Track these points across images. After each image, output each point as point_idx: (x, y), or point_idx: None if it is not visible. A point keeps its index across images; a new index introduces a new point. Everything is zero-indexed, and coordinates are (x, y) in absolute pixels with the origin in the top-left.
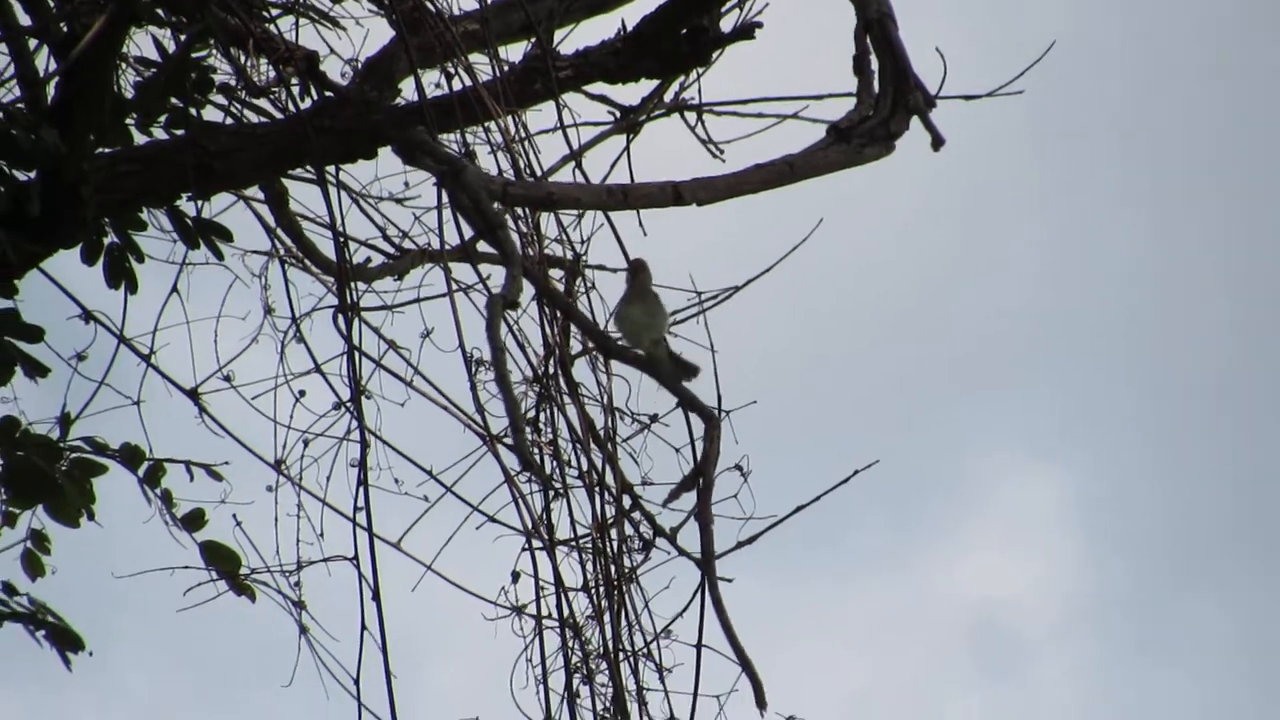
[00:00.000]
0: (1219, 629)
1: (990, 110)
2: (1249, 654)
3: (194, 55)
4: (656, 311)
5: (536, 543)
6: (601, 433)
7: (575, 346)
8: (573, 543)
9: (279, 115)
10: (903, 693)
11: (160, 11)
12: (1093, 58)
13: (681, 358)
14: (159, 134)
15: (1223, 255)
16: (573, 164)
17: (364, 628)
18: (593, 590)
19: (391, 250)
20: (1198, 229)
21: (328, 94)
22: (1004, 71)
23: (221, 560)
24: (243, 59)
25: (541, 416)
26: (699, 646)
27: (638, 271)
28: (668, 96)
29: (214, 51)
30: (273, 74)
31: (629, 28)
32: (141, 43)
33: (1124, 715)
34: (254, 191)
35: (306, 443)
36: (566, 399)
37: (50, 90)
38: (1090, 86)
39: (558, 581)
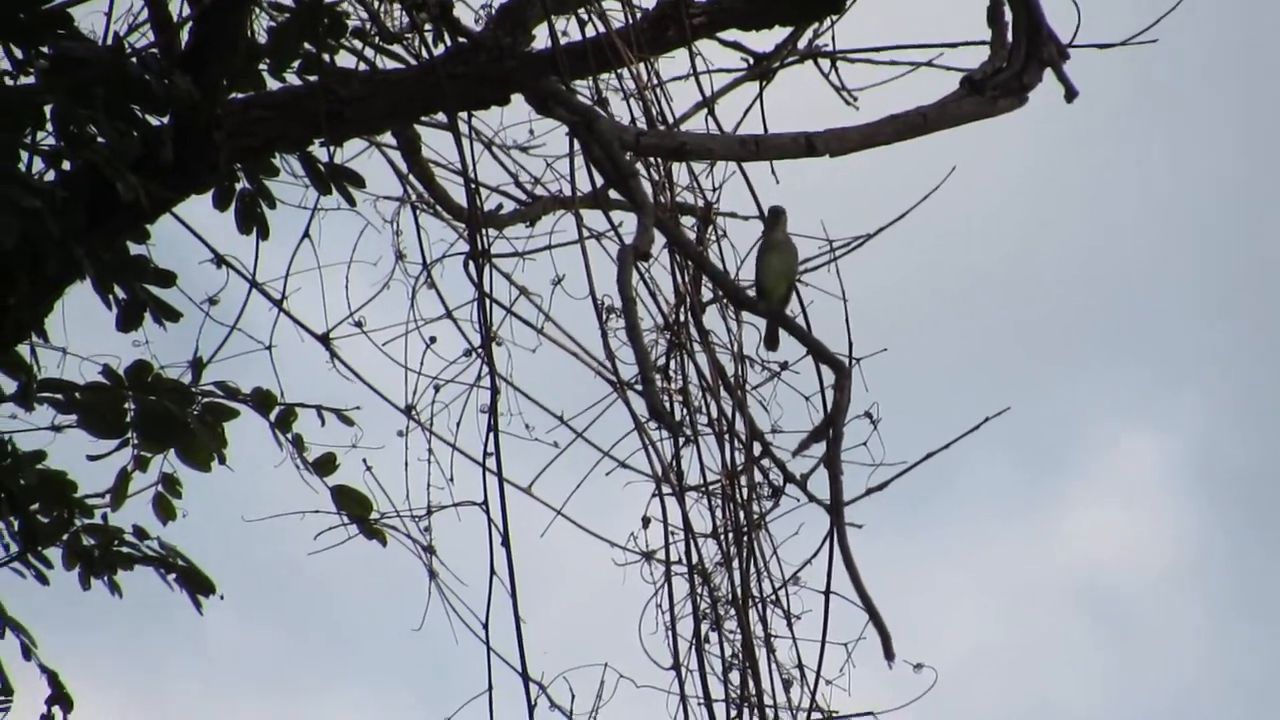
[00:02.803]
0: None
1: (1125, 59)
2: None
3: (327, 0)
4: (792, 259)
5: (666, 489)
6: (731, 380)
7: (706, 295)
8: (702, 489)
9: (412, 61)
10: (1024, 647)
11: None
12: (1226, 5)
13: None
14: (292, 80)
15: None
16: (705, 112)
17: (493, 573)
18: (722, 537)
19: (523, 197)
20: None
21: (461, 40)
22: (1140, 19)
23: (352, 505)
24: (376, 4)
25: (672, 364)
26: (827, 594)
27: (777, 218)
28: (801, 44)
29: None
30: (406, 20)
31: None
32: None
33: (1233, 675)
34: (386, 138)
35: (437, 388)
36: (697, 347)
37: (184, 35)
38: (1222, 35)
39: (687, 528)
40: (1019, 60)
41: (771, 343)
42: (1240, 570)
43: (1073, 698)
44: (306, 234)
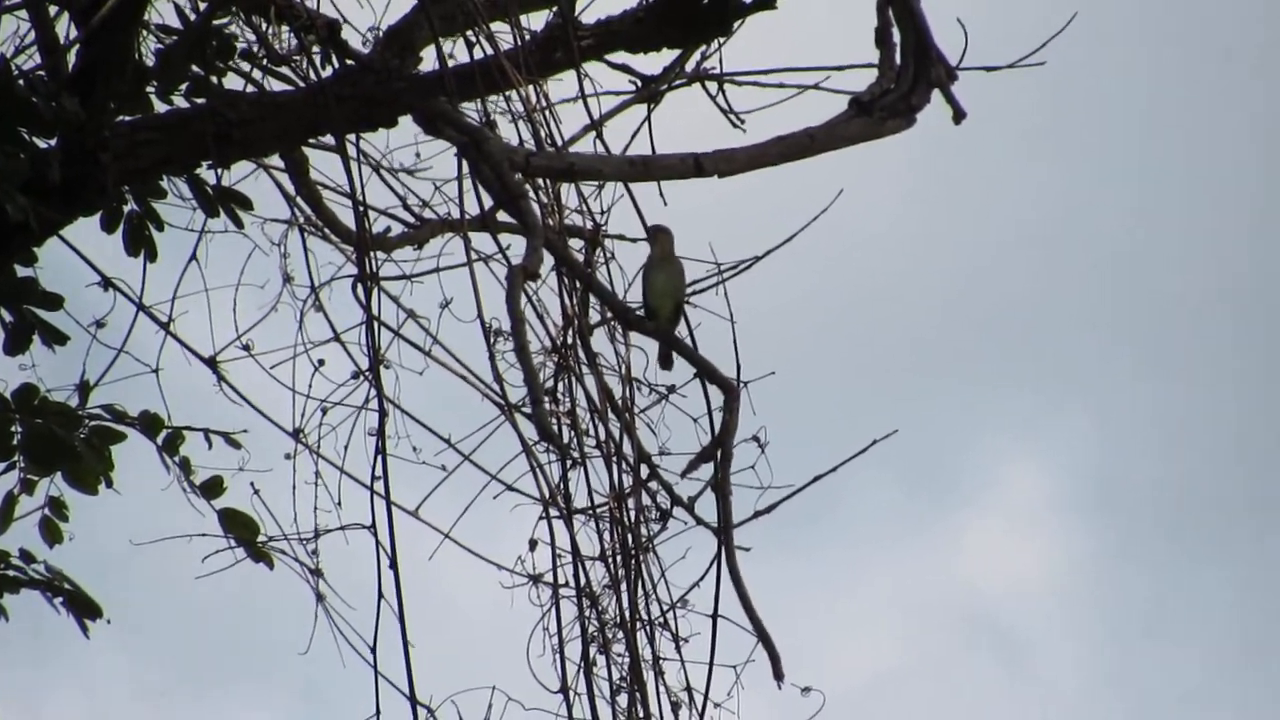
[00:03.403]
0: (1222, 603)
1: (1011, 82)
2: (1255, 624)
3: (215, 23)
4: (678, 277)
5: (554, 511)
6: (619, 403)
7: (594, 317)
8: (590, 512)
9: (300, 84)
10: (914, 671)
11: None
12: (1115, 28)
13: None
14: (180, 102)
15: (1223, 230)
16: (593, 133)
17: (381, 596)
18: (610, 559)
19: (411, 220)
20: (1200, 206)
21: (348, 62)
22: (1026, 43)
23: (240, 528)
24: (264, 26)
25: (560, 386)
26: (715, 616)
27: (658, 235)
28: (689, 66)
29: (235, 19)
30: (294, 42)
31: None
32: (163, 10)
33: (1124, 698)
34: (274, 160)
35: (325, 411)
36: (585, 369)
37: (71, 57)
38: (1112, 57)
39: (575, 550)
40: (907, 82)
41: (665, 363)
42: (1129, 593)
43: None
44: (194, 256)
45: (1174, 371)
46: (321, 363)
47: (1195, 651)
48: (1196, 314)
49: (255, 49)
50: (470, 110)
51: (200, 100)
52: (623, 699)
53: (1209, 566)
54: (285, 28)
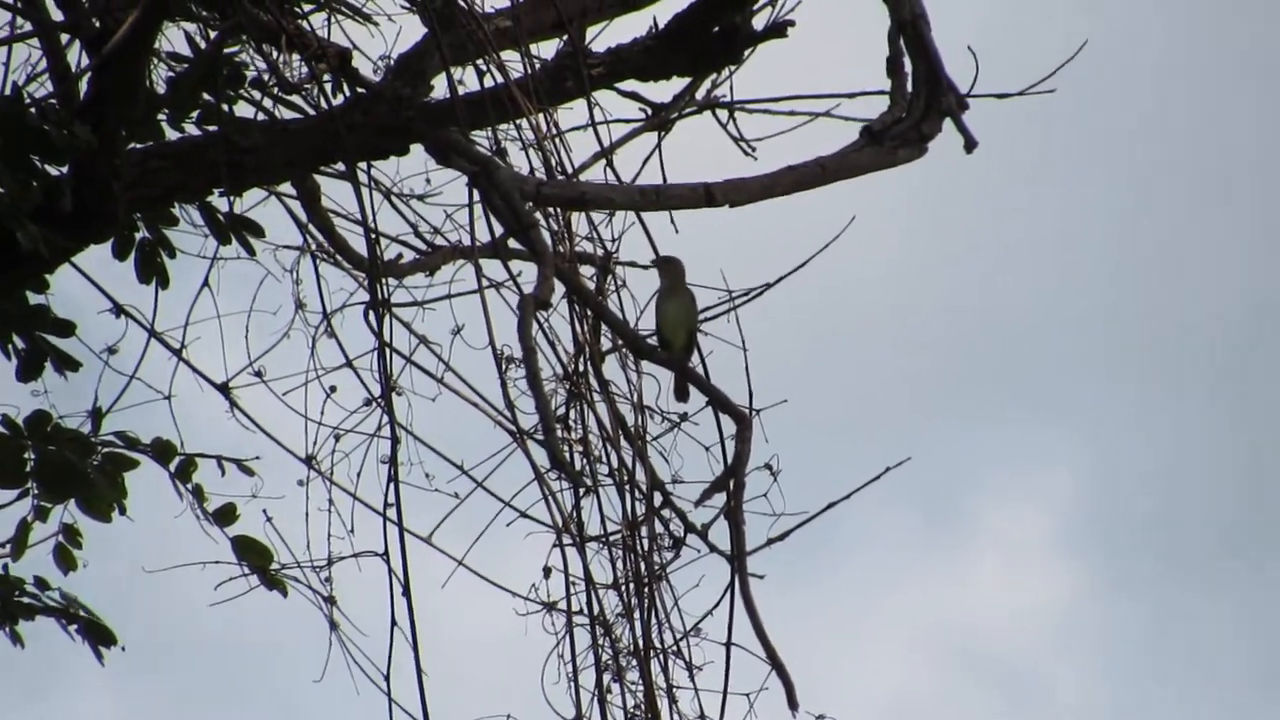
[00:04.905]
0: (1224, 634)
1: (1023, 110)
2: (1258, 653)
3: (226, 51)
4: (691, 307)
5: (567, 539)
6: (632, 430)
7: (606, 344)
8: (603, 540)
9: (311, 112)
10: (924, 700)
11: (193, 7)
12: (1126, 57)
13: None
14: (191, 130)
15: (1225, 263)
16: (604, 162)
17: (394, 623)
18: (623, 587)
19: (423, 247)
20: (1203, 240)
21: (360, 91)
22: (1036, 70)
23: (253, 555)
24: (275, 55)
25: (572, 414)
26: (729, 644)
27: (668, 265)
28: (700, 94)
29: (246, 47)
30: (305, 70)
31: (661, 25)
32: (174, 38)
33: None
34: (286, 187)
35: (337, 438)
36: (597, 397)
37: (83, 86)
38: (1122, 86)
39: (588, 578)
40: (918, 110)
41: (681, 394)
42: (1130, 625)
43: None
44: (206, 283)
45: (1172, 403)
46: (334, 389)
47: (1197, 683)
48: (1195, 343)
49: (266, 77)
50: (481, 138)
51: (212, 128)
52: None
53: (1208, 597)
54: (296, 56)
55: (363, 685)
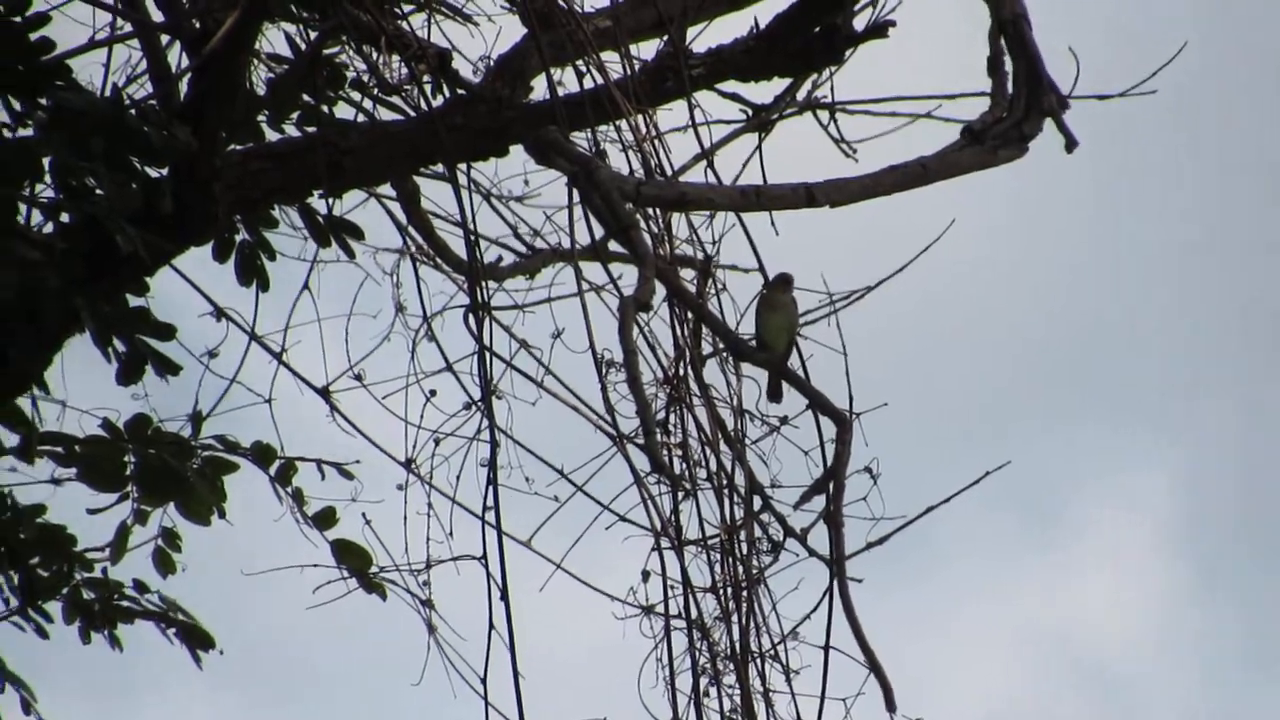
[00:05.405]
0: None
1: (1124, 110)
2: None
3: (326, 52)
4: (794, 316)
5: (665, 543)
6: (731, 434)
7: (706, 348)
8: (701, 543)
9: (411, 113)
10: (1021, 705)
11: (293, 8)
12: (1226, 56)
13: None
14: (291, 131)
15: None
16: (704, 163)
17: (492, 626)
18: (721, 591)
19: (522, 249)
20: None
21: (460, 92)
22: (1138, 71)
23: (352, 558)
24: (375, 56)
25: (671, 417)
26: (827, 648)
27: (785, 285)
28: (800, 95)
29: (346, 48)
30: (405, 71)
31: (762, 26)
32: (274, 39)
33: None
34: (385, 189)
35: (437, 442)
36: (697, 400)
37: (183, 87)
38: (1222, 86)
39: (686, 582)
40: (1019, 110)
41: (775, 395)
42: (1226, 628)
43: None
44: (306, 286)
45: (1262, 405)
46: (433, 393)
47: None
48: None
49: (366, 78)
50: (580, 139)
51: (311, 129)
52: None
53: None
54: (396, 57)
55: (460, 689)
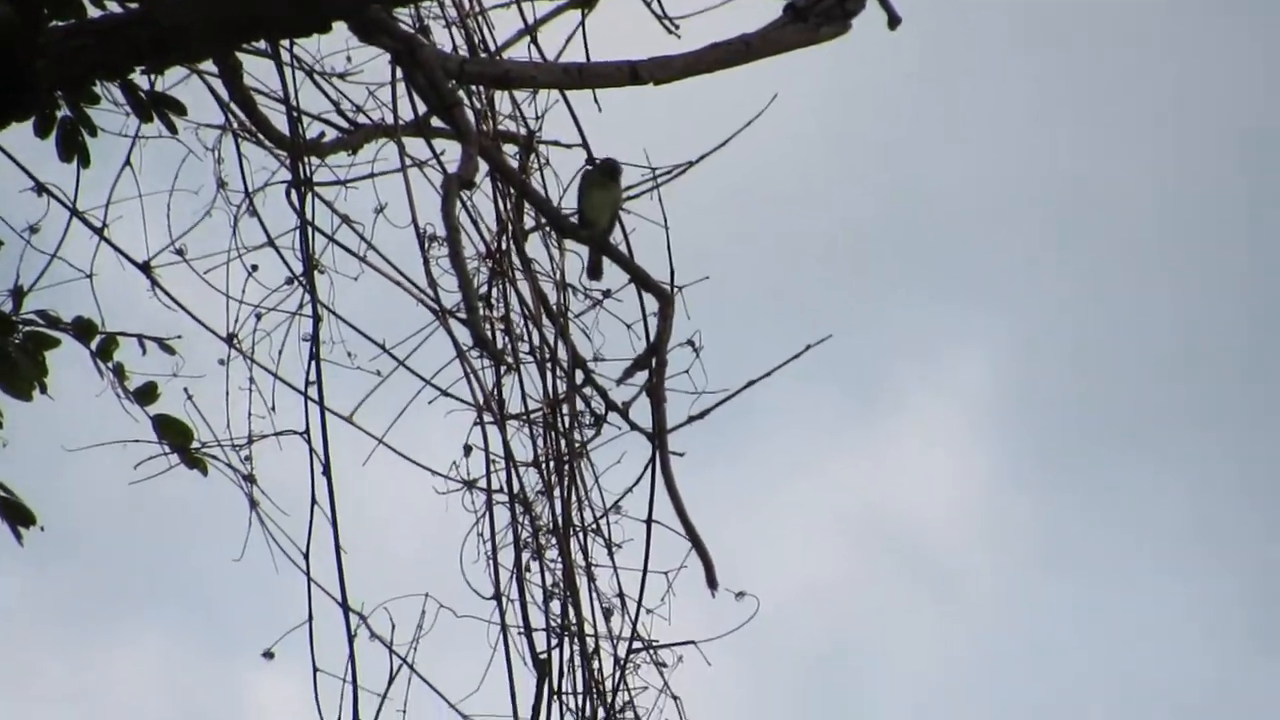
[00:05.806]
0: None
1: None
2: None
3: None
4: (617, 193)
5: (488, 417)
6: (554, 308)
7: (529, 223)
8: (524, 417)
9: None
10: (840, 585)
11: None
12: None
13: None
14: (113, 7)
15: (1158, 138)
16: (528, 39)
17: (314, 502)
18: (543, 465)
19: (345, 125)
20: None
21: None
22: None
23: (173, 434)
24: None
25: (494, 292)
26: (649, 522)
27: (612, 173)
28: None
29: None
30: None
31: None
32: None
33: (1045, 624)
34: (208, 65)
35: (259, 317)
36: (519, 275)
37: None
38: None
39: (508, 456)
40: None
41: (594, 272)
42: (1051, 513)
43: (881, 639)
44: (128, 162)
45: (1101, 280)
46: (255, 268)
47: (1133, 552)
48: (1121, 223)
49: None
50: (404, 15)
51: (133, 5)
52: (556, 605)
53: (1143, 471)
54: None
55: (282, 564)
